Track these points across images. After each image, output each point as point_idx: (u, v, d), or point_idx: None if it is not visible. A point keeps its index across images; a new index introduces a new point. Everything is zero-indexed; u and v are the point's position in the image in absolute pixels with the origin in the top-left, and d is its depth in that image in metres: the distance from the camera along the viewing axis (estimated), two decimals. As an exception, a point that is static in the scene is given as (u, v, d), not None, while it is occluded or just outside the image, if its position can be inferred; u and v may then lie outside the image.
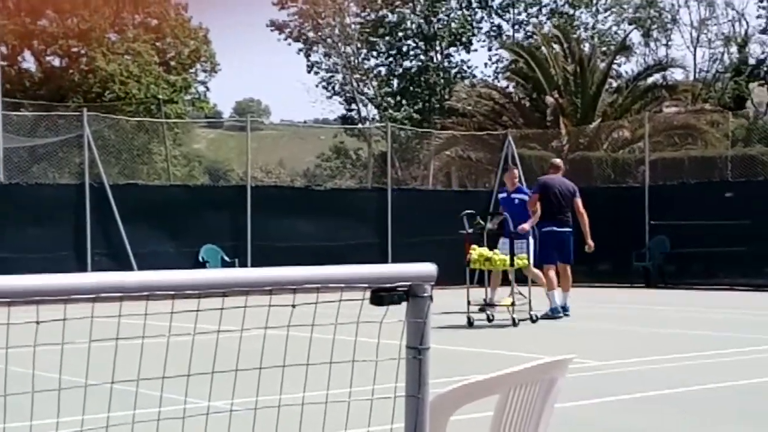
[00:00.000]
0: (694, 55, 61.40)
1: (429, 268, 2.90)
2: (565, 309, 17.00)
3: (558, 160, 19.11)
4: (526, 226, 16.33)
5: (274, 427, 3.43)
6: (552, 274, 16.91)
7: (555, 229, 17.12)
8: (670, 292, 24.20)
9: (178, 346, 3.52)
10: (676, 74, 46.64)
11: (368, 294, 2.87)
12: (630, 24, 52.21)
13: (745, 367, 11.16)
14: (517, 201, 17.19)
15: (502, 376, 3.54)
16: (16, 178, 24.17)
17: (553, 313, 16.73)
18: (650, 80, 40.08)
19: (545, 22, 49.78)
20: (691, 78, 50.09)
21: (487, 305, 15.93)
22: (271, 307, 2.90)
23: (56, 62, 47.21)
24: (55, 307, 2.40)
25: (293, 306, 2.88)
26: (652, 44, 54.58)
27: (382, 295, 2.86)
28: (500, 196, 18.28)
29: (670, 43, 54.94)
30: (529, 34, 50.02)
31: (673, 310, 19.82)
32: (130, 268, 21.33)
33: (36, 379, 2.95)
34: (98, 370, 3.51)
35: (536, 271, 16.71)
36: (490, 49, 51.35)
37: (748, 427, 8.00)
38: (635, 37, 52.25)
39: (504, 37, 50.96)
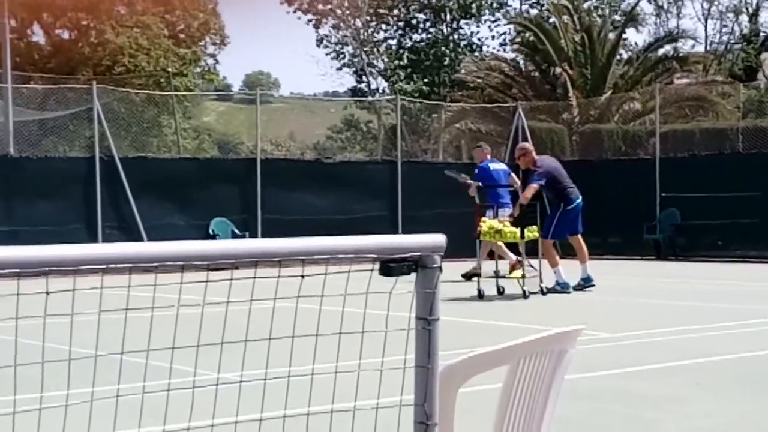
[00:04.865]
0: (705, 26, 61.32)
1: (438, 239, 2.89)
2: (589, 280, 16.92)
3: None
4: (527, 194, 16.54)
5: (284, 399, 3.43)
6: (553, 250, 16.81)
7: (578, 201, 16.99)
8: (680, 265, 24.18)
9: (187, 318, 3.52)
10: (687, 46, 46.49)
11: (377, 265, 2.86)
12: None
13: (755, 339, 11.16)
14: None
15: (512, 347, 3.53)
16: (26, 152, 24.12)
17: (563, 288, 16.65)
18: (661, 52, 39.93)
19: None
20: (702, 49, 49.89)
21: (497, 277, 15.92)
22: (281, 278, 2.89)
23: (65, 35, 47.14)
24: (64, 279, 2.40)
25: (302, 277, 2.87)
26: (663, 15, 54.42)
27: (392, 266, 2.85)
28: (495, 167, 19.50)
29: (681, 14, 54.78)
30: (534, 4, 49.76)
31: (684, 282, 19.80)
32: (140, 241, 21.33)
33: (45, 351, 2.95)
34: (108, 341, 3.51)
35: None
36: (495, 20, 51.06)
37: (761, 397, 7.98)
38: (646, 8, 52.05)
39: (509, 8, 50.67)
